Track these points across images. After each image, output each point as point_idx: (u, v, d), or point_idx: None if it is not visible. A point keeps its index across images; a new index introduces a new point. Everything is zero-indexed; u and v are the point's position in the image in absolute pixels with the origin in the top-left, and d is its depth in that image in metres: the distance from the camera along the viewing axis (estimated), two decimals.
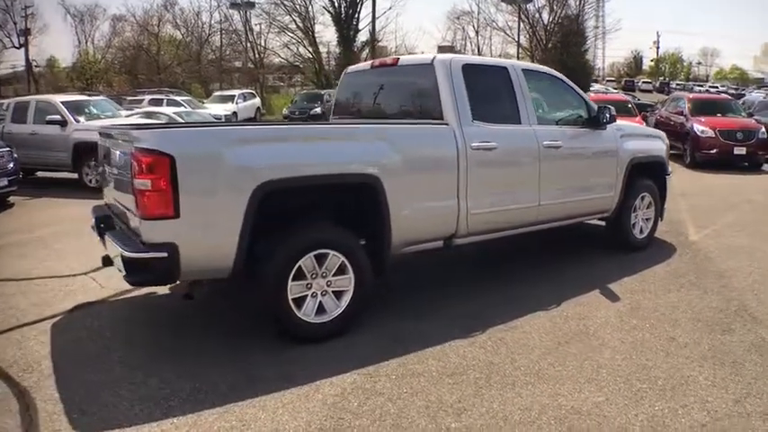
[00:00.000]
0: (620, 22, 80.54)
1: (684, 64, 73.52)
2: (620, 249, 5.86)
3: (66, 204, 9.02)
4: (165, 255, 3.14)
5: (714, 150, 12.23)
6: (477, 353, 3.56)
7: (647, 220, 6.03)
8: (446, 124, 4.12)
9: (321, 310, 3.62)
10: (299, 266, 3.47)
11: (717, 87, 49.89)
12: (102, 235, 4.00)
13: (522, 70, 4.81)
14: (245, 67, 39.32)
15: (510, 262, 5.62)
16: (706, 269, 5.38)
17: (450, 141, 4.07)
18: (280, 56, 38.89)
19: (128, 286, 4.70)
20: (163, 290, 4.71)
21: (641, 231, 5.99)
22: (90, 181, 10.29)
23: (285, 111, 26.03)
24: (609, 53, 48.08)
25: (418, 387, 3.13)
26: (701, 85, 54.86)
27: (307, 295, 3.55)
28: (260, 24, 39.54)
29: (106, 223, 4.05)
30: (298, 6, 36.45)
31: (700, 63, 78.07)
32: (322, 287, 3.60)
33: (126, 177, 3.43)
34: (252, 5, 34.41)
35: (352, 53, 36.42)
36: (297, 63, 38.07)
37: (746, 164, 12.44)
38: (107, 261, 3.91)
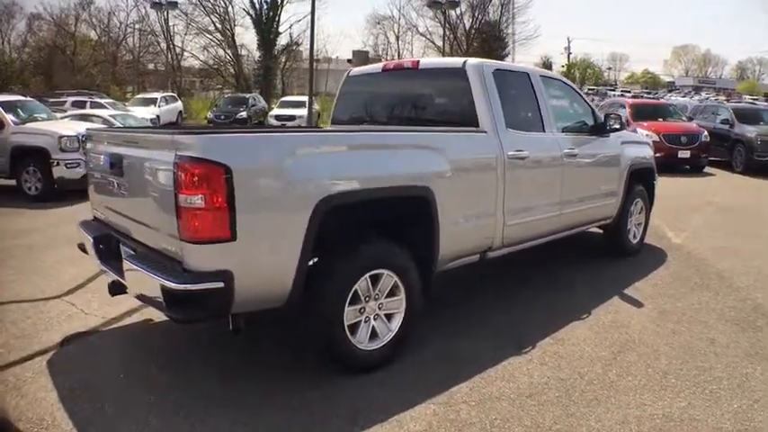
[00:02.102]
0: (538, 29, 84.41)
1: (595, 69, 78.23)
2: (617, 255, 6.06)
3: (8, 215, 8.24)
4: (222, 285, 2.75)
5: (660, 154, 12.99)
6: (541, 370, 3.50)
7: (638, 225, 6.28)
8: (484, 132, 4.05)
9: (374, 335, 3.40)
10: (355, 289, 3.23)
11: (629, 91, 53.38)
12: (107, 259, 3.55)
13: (540, 76, 4.84)
14: (167, 68, 37.64)
15: (517, 269, 5.63)
16: (705, 271, 5.66)
17: (490, 149, 4.00)
18: (199, 58, 37.80)
19: (115, 313, 4.39)
20: (159, 316, 4.25)
21: (634, 236, 6.23)
22: (30, 189, 9.43)
23: (209, 115, 25.12)
24: (529, 59, 50.15)
25: (505, 413, 3.02)
26: (613, 89, 58.56)
27: (360, 320, 3.32)
28: (175, 25, 38.31)
29: (107, 244, 3.61)
30: (217, 8, 35.51)
31: (610, 68, 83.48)
32: (374, 311, 3.38)
33: (156, 191, 3.02)
34: (174, 5, 32.95)
35: (272, 56, 35.93)
36: (216, 66, 36.90)
37: (689, 167, 13.33)
38: (116, 289, 3.49)
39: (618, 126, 5.41)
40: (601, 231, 6.08)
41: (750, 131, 13.30)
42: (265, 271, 2.95)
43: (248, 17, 35.44)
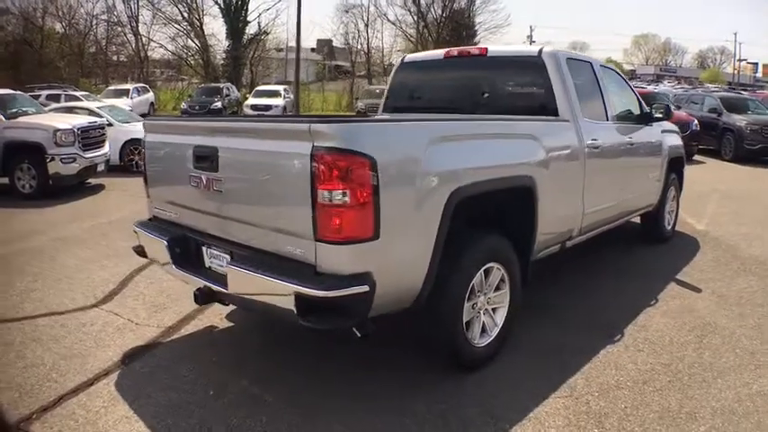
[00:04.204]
0: (509, 18, 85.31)
1: None
2: (654, 242, 6.29)
3: (4, 216, 7.93)
4: (367, 289, 2.59)
5: None
6: (642, 357, 3.65)
7: (671, 212, 6.53)
8: (566, 120, 4.14)
9: (483, 330, 3.43)
10: (472, 285, 3.23)
11: None
12: (185, 263, 3.36)
13: (600, 66, 4.97)
14: (133, 60, 36.71)
15: (567, 258, 5.75)
16: (740, 256, 5.95)
17: (575, 138, 4.12)
18: (167, 49, 37.10)
19: (169, 321, 4.19)
20: (221, 322, 4.20)
21: (668, 223, 6.49)
22: (24, 187, 9.08)
23: (183, 105, 24.73)
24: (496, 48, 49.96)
25: (630, 401, 3.14)
26: None
27: (473, 316, 3.34)
28: (141, 15, 37.44)
29: (184, 247, 3.42)
30: None
31: None
32: (483, 305, 3.41)
33: (278, 187, 2.82)
34: None
35: (241, 46, 35.48)
36: (185, 56, 36.26)
37: None
38: (206, 297, 3.21)
39: (660, 115, 5.59)
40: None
41: (740, 120, 13.88)
42: (402, 271, 2.86)
43: (216, 6, 35.00)
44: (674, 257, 5.86)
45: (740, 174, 12.51)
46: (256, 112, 23.21)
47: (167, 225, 3.68)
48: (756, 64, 63.80)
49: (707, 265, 5.61)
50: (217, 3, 34.78)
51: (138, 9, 36.10)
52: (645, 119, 5.52)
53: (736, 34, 75.24)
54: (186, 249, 3.41)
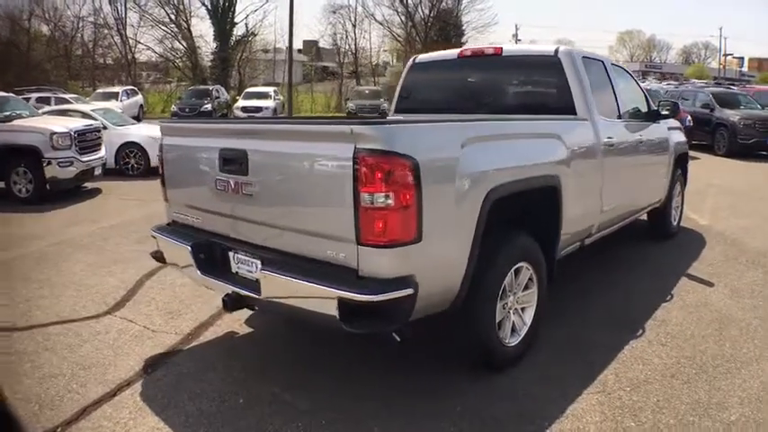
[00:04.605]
0: (496, 17, 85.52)
1: None
2: (661, 238, 6.38)
3: (5, 220, 7.84)
4: (411, 292, 2.58)
5: None
6: (666, 351, 3.71)
7: (676, 208, 6.61)
8: (585, 119, 4.19)
9: (513, 330, 3.45)
10: (504, 285, 3.26)
11: None
12: (211, 269, 3.31)
13: (611, 64, 5.04)
14: (119, 62, 36.50)
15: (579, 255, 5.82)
16: (746, 250, 6.06)
17: (593, 137, 4.17)
18: (154, 51, 37.03)
19: (187, 327, 4.13)
20: (240, 327, 4.15)
21: (674, 219, 6.57)
22: (20, 191, 8.98)
23: (174, 108, 24.61)
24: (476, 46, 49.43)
25: (662, 394, 3.19)
26: None
27: (504, 316, 3.36)
28: (125, 17, 37.27)
29: (209, 252, 3.36)
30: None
31: None
32: (513, 305, 3.43)
33: (315, 190, 2.79)
34: None
35: (228, 47, 35.41)
36: (172, 59, 36.13)
37: None
38: (234, 303, 3.17)
39: (667, 113, 5.66)
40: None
41: (733, 115, 14.07)
42: (443, 272, 2.86)
43: (203, 8, 34.99)
44: (682, 252, 5.96)
45: (735, 168, 12.70)
46: (246, 114, 23.19)
47: (189, 230, 3.61)
48: (742, 58, 64.64)
49: (715, 260, 5.70)
50: (204, 4, 34.88)
51: (125, 11, 36.05)
52: (653, 116, 5.59)
53: (721, 29, 76.38)
54: (211, 255, 3.36)
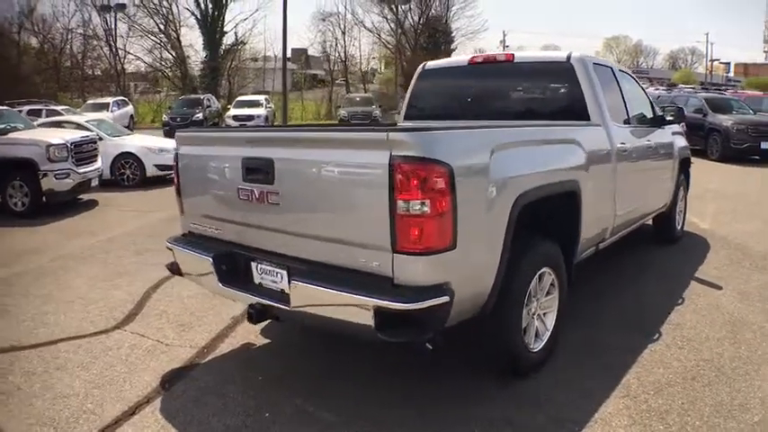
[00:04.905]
0: (485, 23, 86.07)
1: None
2: (665, 242, 6.45)
3: (1, 234, 7.80)
4: (447, 300, 2.59)
5: None
6: (684, 354, 3.76)
7: (679, 212, 6.68)
8: (599, 125, 4.24)
9: (536, 335, 3.48)
10: (529, 290, 3.28)
11: None
12: (233, 280, 3.28)
13: (619, 70, 5.10)
14: (107, 73, 36.50)
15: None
16: (749, 254, 6.14)
17: (607, 142, 4.22)
18: (144, 61, 37.19)
19: (201, 340, 4.08)
20: (256, 338, 4.12)
21: (678, 223, 6.63)
22: (15, 204, 8.89)
23: (165, 117, 24.57)
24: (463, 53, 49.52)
25: (685, 396, 3.23)
26: None
27: (528, 321, 3.37)
28: (116, 28, 37.27)
29: (232, 263, 3.33)
30: (160, 9, 35.27)
31: None
32: (536, 310, 3.46)
33: (348, 198, 2.78)
34: (123, 6, 32.28)
35: (218, 56, 35.49)
36: (161, 69, 36.16)
37: None
38: (260, 315, 3.15)
39: (672, 118, 5.75)
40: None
41: (726, 120, 14.26)
42: (475, 279, 2.86)
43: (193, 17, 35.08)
44: (688, 256, 6.03)
45: (729, 173, 12.85)
46: (238, 123, 23.19)
47: (207, 241, 3.56)
48: (729, 64, 65.47)
49: (721, 263, 5.78)
50: (193, 14, 35.00)
51: (115, 22, 36.14)
52: (658, 121, 5.67)
53: (707, 34, 77.12)
54: (233, 265, 3.32)
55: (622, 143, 4.45)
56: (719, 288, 5.03)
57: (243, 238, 3.34)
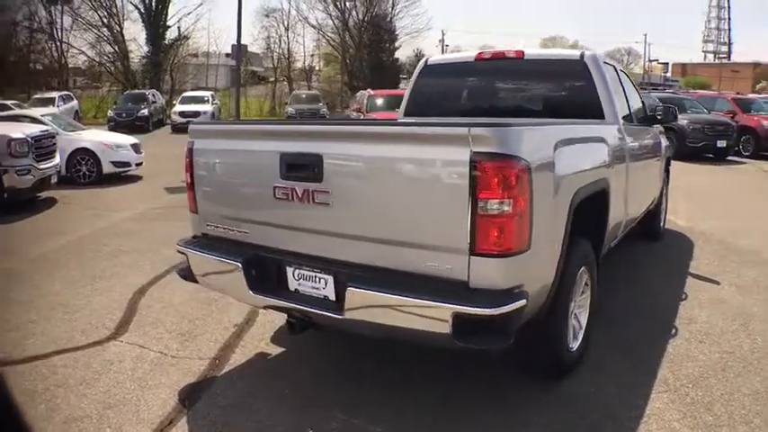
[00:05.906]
0: (430, 21, 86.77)
1: None
2: (651, 239, 6.64)
3: None
4: (525, 303, 2.49)
5: None
6: (707, 347, 3.89)
7: (662, 209, 6.93)
8: (613, 123, 4.32)
9: (573, 334, 3.46)
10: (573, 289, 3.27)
11: None
12: (265, 287, 3.05)
13: (620, 69, 5.23)
14: (50, 67, 34.89)
15: None
16: (737, 249, 6.43)
17: (624, 141, 4.30)
18: (87, 55, 35.96)
19: (212, 351, 3.83)
20: (267, 348, 3.92)
21: (661, 220, 6.86)
22: None
23: (110, 113, 23.86)
24: (401, 52, 48.87)
25: (722, 388, 3.33)
26: None
27: (568, 321, 3.33)
28: (61, 21, 35.66)
29: (263, 269, 3.09)
30: (104, 1, 34.21)
31: None
32: (573, 309, 3.42)
33: (416, 197, 2.60)
34: (69, 0, 31.09)
35: (161, 51, 34.69)
36: (105, 63, 34.99)
37: None
38: (303, 325, 3.02)
39: (661, 116, 5.93)
40: None
41: (681, 119, 14.84)
42: (541, 281, 2.78)
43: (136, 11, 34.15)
44: (676, 252, 6.28)
45: (688, 171, 13.39)
46: (185, 119, 22.58)
47: (228, 244, 3.29)
48: (667, 64, 68.24)
49: (710, 259, 6.01)
50: (137, 7, 34.21)
51: (62, 15, 34.75)
52: (650, 120, 5.84)
53: (646, 35, 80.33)
54: (264, 271, 3.08)
55: (633, 141, 4.57)
56: (717, 283, 5.23)
57: (277, 242, 3.09)
